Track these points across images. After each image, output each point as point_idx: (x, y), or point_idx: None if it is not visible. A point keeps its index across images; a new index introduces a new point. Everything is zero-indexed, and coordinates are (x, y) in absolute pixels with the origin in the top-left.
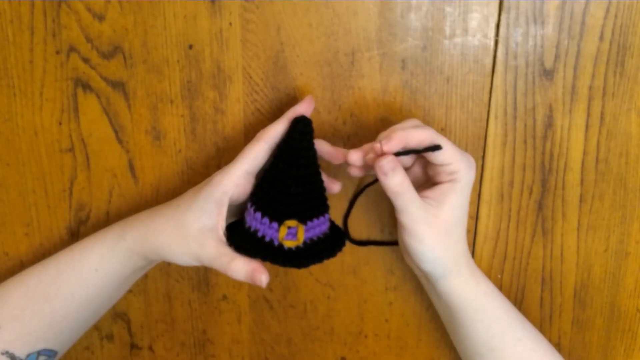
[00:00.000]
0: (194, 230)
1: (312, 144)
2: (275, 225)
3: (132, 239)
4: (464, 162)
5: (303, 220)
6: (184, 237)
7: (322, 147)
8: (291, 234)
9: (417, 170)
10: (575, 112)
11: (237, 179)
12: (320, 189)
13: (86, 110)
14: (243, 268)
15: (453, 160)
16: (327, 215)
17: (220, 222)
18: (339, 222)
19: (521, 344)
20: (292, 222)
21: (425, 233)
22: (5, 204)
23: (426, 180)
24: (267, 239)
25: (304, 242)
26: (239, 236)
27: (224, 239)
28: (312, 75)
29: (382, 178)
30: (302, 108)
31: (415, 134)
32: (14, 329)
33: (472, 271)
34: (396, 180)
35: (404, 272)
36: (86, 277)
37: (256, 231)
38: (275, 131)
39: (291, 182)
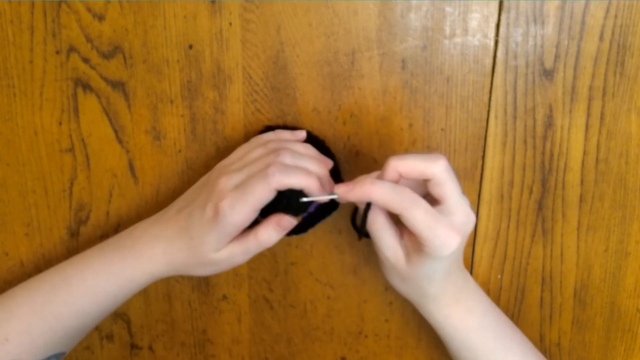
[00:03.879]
0: (212, 258)
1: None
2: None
3: (150, 265)
4: (436, 240)
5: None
6: (203, 265)
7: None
8: None
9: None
10: (575, 112)
11: (248, 220)
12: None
13: (86, 110)
14: (268, 230)
15: (419, 234)
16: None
17: (231, 244)
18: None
19: None
20: None
21: (385, 264)
22: (5, 204)
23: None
24: None
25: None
26: None
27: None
28: (312, 75)
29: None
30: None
31: (376, 190)
32: (22, 343)
33: (443, 305)
34: (370, 220)
35: None
36: (101, 300)
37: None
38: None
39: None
